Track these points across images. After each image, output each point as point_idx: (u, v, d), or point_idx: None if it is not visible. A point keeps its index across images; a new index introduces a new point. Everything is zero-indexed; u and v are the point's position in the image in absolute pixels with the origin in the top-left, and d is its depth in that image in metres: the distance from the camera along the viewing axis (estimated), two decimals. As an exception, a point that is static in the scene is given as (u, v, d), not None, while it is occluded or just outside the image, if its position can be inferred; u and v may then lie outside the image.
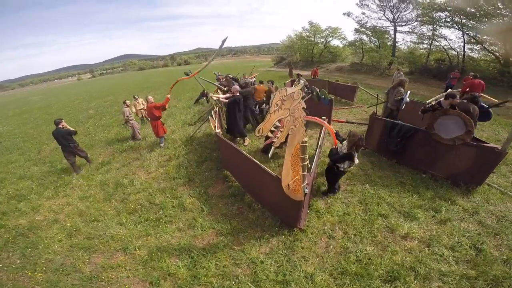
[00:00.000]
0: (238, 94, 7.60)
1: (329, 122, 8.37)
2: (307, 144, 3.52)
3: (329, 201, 4.97)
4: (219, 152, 7.20)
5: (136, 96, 12.06)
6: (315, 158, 4.95)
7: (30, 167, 8.92)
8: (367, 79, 20.75)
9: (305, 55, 37.71)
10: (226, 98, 7.80)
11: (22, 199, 6.58)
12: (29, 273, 4.09)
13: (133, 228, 4.82)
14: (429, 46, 24.80)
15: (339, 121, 9.25)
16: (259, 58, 77.68)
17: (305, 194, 3.70)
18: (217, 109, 7.81)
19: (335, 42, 36.08)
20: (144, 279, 3.76)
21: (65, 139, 7.21)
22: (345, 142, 4.54)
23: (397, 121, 5.97)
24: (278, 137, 3.15)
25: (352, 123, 9.14)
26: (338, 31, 34.21)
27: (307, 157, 3.54)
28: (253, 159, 4.62)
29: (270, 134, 2.98)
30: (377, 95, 8.25)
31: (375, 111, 6.71)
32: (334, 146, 4.74)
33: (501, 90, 13.99)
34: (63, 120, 7.42)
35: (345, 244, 3.98)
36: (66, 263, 4.22)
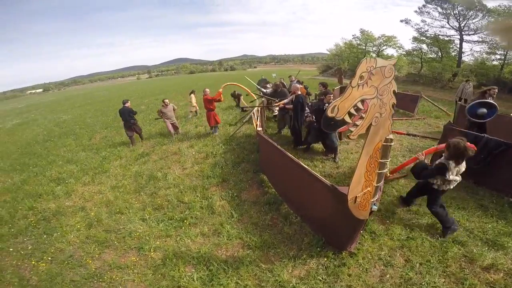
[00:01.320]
0: (299, 92, 6.88)
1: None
2: (393, 144, 2.69)
3: (387, 221, 4.03)
4: (257, 154, 6.62)
5: (194, 91, 12.92)
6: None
7: (79, 152, 9.31)
8: (426, 91, 18.30)
9: (354, 64, 34.86)
10: (291, 102, 7.12)
11: (61, 182, 6.69)
12: (33, 262, 3.85)
13: (154, 226, 4.37)
14: (503, 57, 21.74)
15: (398, 133, 8.02)
16: (303, 67, 76.93)
17: (372, 212, 2.92)
18: (259, 108, 7.27)
19: (390, 51, 33.20)
20: (149, 286, 3.24)
21: (129, 116, 8.84)
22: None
23: (482, 134, 4.80)
24: (356, 123, 2.43)
25: (414, 135, 7.86)
26: (393, 39, 31.57)
27: (388, 163, 2.72)
28: (301, 163, 3.90)
29: (347, 119, 2.28)
30: (456, 100, 6.98)
31: (451, 121, 5.54)
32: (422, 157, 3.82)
33: None
34: (129, 101, 9.30)
35: (407, 274, 3.09)
36: (75, 256, 3.92)
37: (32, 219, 5.06)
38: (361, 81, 2.25)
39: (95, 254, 3.89)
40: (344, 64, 36.74)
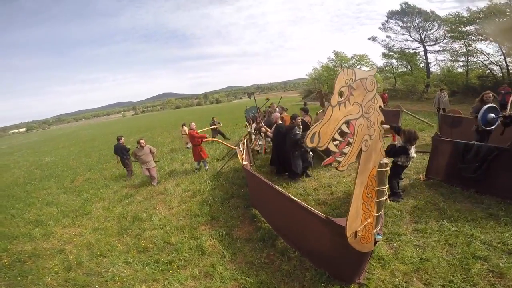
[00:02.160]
0: (280, 121, 6.94)
1: None
2: (388, 168, 2.50)
3: (395, 245, 3.79)
4: (247, 188, 6.46)
5: (185, 123, 13.25)
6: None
7: (60, 195, 8.96)
8: (405, 104, 18.16)
9: (333, 86, 36.09)
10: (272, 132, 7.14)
11: (39, 224, 6.38)
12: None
13: (139, 269, 4.03)
14: (466, 63, 22.97)
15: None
16: (285, 94, 78.85)
17: (377, 242, 2.75)
18: (245, 140, 7.20)
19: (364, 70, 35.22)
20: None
21: (122, 152, 9.28)
22: (399, 139, 4.86)
23: (472, 142, 4.89)
24: (344, 151, 2.07)
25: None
26: (365, 58, 32.93)
27: (386, 189, 2.53)
28: (291, 196, 3.75)
29: (332, 147, 1.95)
30: (438, 110, 7.30)
31: (438, 132, 5.73)
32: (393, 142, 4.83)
33: None
34: (122, 137, 9.67)
35: (431, 299, 2.79)
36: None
37: (6, 261, 4.73)
38: (342, 98, 1.96)
39: (73, 300, 3.52)
40: (324, 87, 36.93)
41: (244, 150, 6.86)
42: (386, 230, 4.10)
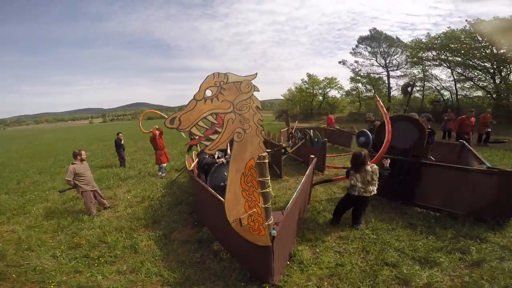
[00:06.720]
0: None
1: (323, 167, 8.01)
2: (267, 161, 2.74)
3: (317, 250, 4.00)
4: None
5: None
6: (296, 193, 3.99)
7: (1, 195, 8.39)
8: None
9: (304, 107, 37.46)
10: None
11: None
12: None
13: (65, 263, 3.96)
14: (422, 88, 24.90)
15: (335, 167, 8.54)
16: (262, 113, 78.91)
17: (272, 237, 2.87)
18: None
19: (333, 93, 36.02)
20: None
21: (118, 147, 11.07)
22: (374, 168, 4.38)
23: (397, 157, 5.25)
24: (211, 137, 2.43)
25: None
26: (334, 81, 34.53)
27: (269, 181, 2.74)
28: (214, 192, 3.93)
29: (196, 131, 2.41)
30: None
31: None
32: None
33: (501, 126, 13.73)
34: (120, 133, 11.53)
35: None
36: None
37: None
38: (209, 95, 2.31)
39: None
40: (296, 108, 38.57)
41: (195, 160, 6.95)
42: (312, 237, 4.35)
